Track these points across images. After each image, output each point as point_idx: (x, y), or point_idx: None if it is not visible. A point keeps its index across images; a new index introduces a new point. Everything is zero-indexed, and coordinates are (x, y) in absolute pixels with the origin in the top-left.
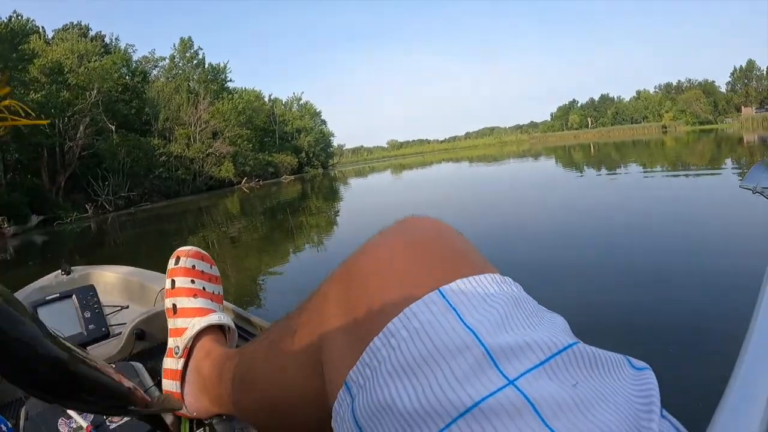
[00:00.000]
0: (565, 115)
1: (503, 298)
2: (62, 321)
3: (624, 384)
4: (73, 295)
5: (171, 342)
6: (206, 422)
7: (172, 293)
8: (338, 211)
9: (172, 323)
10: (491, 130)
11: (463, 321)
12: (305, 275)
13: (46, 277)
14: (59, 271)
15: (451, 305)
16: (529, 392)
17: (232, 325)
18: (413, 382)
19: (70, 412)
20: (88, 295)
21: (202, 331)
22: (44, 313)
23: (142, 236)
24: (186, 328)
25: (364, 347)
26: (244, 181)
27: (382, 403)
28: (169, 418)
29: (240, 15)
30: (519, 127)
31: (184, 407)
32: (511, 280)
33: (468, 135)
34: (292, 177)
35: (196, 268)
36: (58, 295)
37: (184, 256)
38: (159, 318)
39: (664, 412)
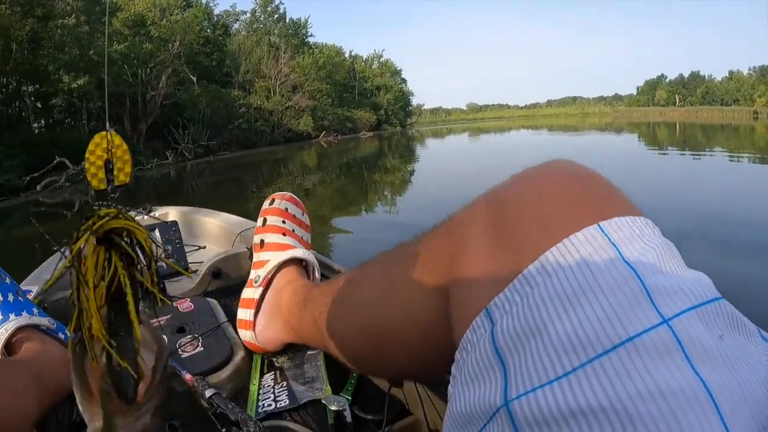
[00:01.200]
0: (651, 89)
1: (657, 240)
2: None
3: (759, 352)
4: (157, 229)
5: (252, 273)
6: (276, 365)
7: (261, 230)
8: (413, 172)
9: (257, 257)
10: (573, 100)
11: (622, 256)
12: (379, 231)
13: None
14: (140, 209)
15: (611, 240)
16: (681, 334)
17: (316, 263)
18: (567, 310)
19: None
20: (170, 231)
21: (285, 263)
22: None
23: (220, 184)
24: (269, 260)
25: (515, 273)
26: (322, 135)
27: (532, 327)
28: (238, 358)
29: None
30: (603, 99)
31: (254, 338)
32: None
33: (550, 103)
34: (371, 134)
35: (289, 210)
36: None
37: (279, 198)
38: (236, 259)
39: None
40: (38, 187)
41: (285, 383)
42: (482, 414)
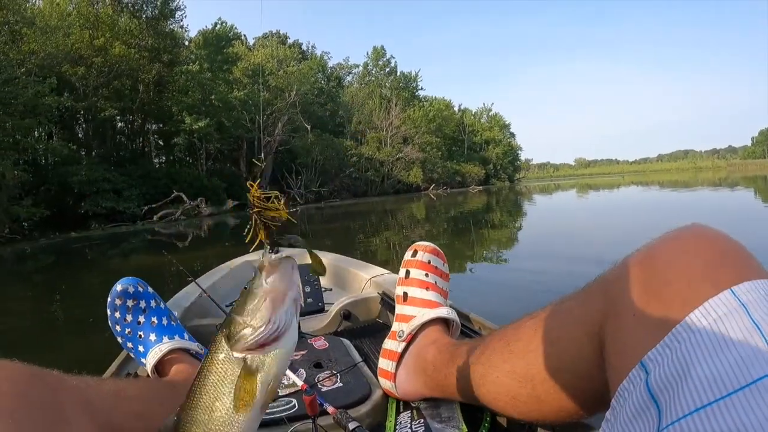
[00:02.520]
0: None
1: None
2: None
3: None
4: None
5: (396, 326)
6: (413, 405)
7: (405, 282)
8: (523, 228)
9: (400, 309)
10: (685, 154)
11: (750, 316)
12: (498, 279)
13: (255, 252)
14: (268, 248)
15: (741, 302)
16: None
17: (458, 320)
18: (707, 358)
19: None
20: (309, 273)
21: (429, 322)
22: None
23: (330, 231)
24: (414, 316)
25: (665, 332)
26: (431, 187)
27: (679, 371)
28: (376, 396)
29: (432, 25)
30: (715, 152)
31: (393, 388)
32: None
33: (660, 157)
34: (480, 188)
35: (431, 263)
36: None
37: (422, 250)
38: (366, 303)
39: None
40: (155, 218)
41: (422, 421)
42: None
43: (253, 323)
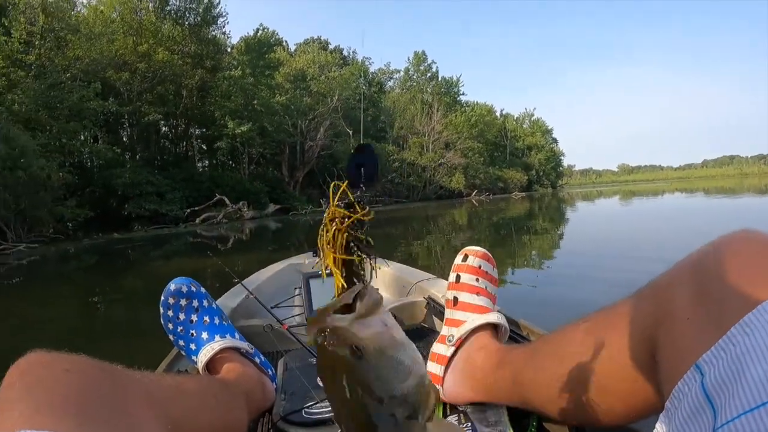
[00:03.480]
0: None
1: None
2: (331, 294)
3: None
4: None
5: (445, 330)
6: (460, 409)
7: (455, 287)
8: (568, 235)
9: (450, 314)
10: (730, 159)
11: None
12: (540, 292)
13: (300, 256)
14: (311, 252)
15: None
16: None
17: (507, 325)
18: (762, 359)
19: None
20: None
21: (479, 327)
22: (315, 285)
23: (372, 236)
24: (464, 321)
25: (719, 334)
26: (474, 193)
27: (734, 373)
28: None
29: (474, 29)
30: (762, 157)
31: (441, 391)
32: None
33: (705, 163)
34: (523, 194)
35: (482, 268)
36: (329, 271)
37: (472, 255)
38: (412, 307)
39: None
40: (197, 220)
41: (469, 425)
42: None
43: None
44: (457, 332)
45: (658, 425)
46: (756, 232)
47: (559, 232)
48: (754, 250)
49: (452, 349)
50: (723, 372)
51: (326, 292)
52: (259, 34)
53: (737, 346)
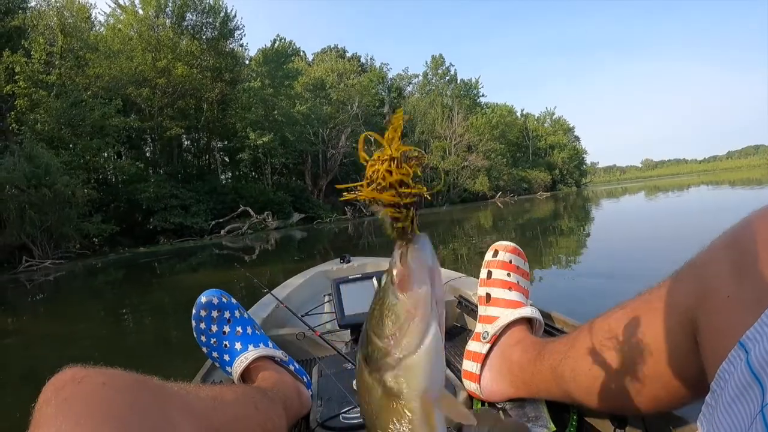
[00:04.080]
0: None
1: None
2: (362, 298)
3: None
4: (374, 277)
5: (480, 327)
6: (499, 406)
7: (487, 283)
8: (596, 234)
9: (483, 310)
10: (756, 149)
11: None
12: (571, 289)
13: (328, 263)
14: (338, 259)
15: None
16: None
17: (541, 319)
18: None
19: None
20: None
21: (513, 322)
22: (345, 290)
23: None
24: (497, 317)
25: (761, 309)
26: (498, 195)
27: None
28: (461, 398)
29: (490, 29)
30: None
31: (478, 389)
32: None
33: (730, 154)
34: (548, 194)
35: (513, 262)
36: (360, 275)
37: (503, 250)
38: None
39: None
40: (222, 232)
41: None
42: (744, 427)
43: (396, 352)
44: (492, 328)
45: (704, 408)
46: None
47: (586, 231)
48: None
49: (487, 345)
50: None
51: (357, 295)
52: (276, 45)
53: None
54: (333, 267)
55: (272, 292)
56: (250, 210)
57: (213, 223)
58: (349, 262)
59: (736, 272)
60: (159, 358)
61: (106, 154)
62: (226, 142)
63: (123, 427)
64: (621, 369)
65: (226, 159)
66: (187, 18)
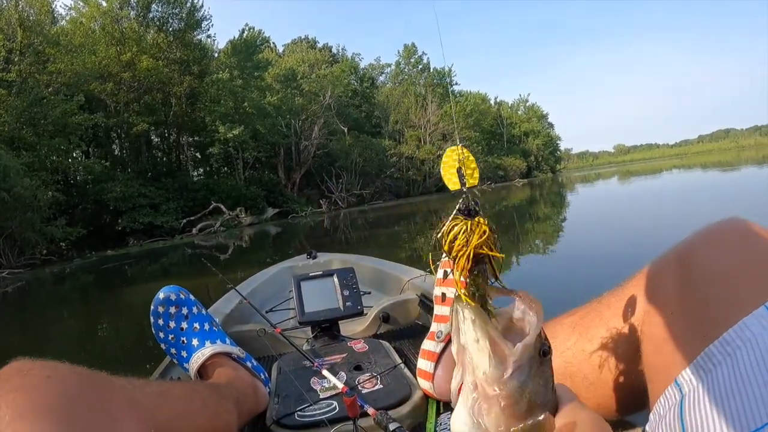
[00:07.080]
0: None
1: None
2: (323, 296)
3: None
4: (335, 275)
5: (434, 327)
6: (452, 405)
7: (443, 283)
8: (569, 221)
9: (439, 310)
10: (726, 133)
11: None
12: (535, 281)
13: (293, 259)
14: (305, 255)
15: None
16: None
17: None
18: (745, 388)
19: (325, 372)
20: (347, 276)
21: None
22: (306, 287)
23: (373, 237)
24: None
25: (699, 348)
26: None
27: (712, 403)
28: (416, 397)
29: (461, 16)
30: (757, 129)
31: (432, 388)
32: None
33: (701, 138)
34: (525, 180)
35: None
36: (321, 273)
37: None
38: (405, 305)
39: None
40: (194, 230)
41: None
42: None
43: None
44: (446, 328)
45: (647, 427)
46: (743, 222)
47: (562, 217)
48: (741, 242)
49: (441, 345)
50: (704, 400)
51: (318, 293)
52: (245, 34)
53: (718, 367)
54: (299, 263)
55: (236, 287)
56: (222, 206)
57: (184, 221)
58: (315, 257)
59: (683, 288)
60: (120, 358)
61: (75, 154)
62: (196, 137)
63: (65, 419)
64: (565, 376)
65: (198, 155)
66: (152, 9)
